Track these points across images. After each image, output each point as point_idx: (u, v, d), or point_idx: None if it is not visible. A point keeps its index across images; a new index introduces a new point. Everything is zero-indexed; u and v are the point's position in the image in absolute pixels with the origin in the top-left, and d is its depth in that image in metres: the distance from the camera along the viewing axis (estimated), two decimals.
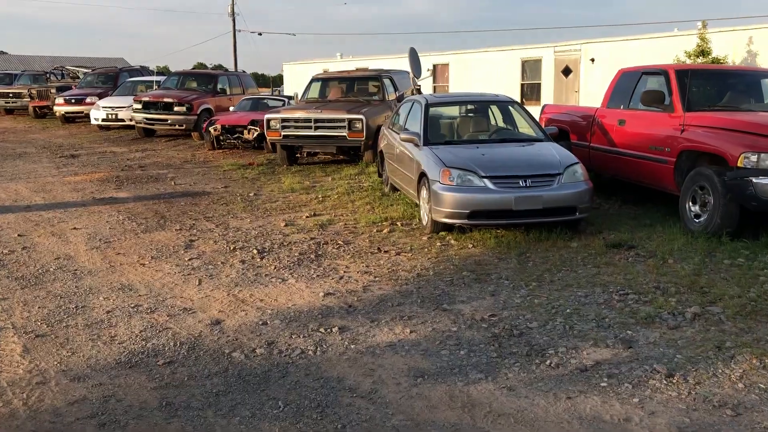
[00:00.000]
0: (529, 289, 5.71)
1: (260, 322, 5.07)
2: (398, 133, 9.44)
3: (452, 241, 7.29)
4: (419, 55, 14.02)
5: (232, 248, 7.20)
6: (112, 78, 24.71)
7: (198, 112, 18.18)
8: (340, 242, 7.37)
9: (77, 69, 30.87)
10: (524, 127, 8.67)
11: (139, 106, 18.24)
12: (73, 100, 23.10)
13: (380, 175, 10.84)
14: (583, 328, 4.82)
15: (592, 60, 19.85)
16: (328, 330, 4.88)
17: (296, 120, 12.95)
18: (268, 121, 13.12)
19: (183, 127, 18.19)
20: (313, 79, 14.95)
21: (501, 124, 8.89)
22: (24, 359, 4.47)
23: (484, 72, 22.82)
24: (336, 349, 4.57)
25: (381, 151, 10.45)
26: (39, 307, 5.44)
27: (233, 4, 54.89)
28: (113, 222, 8.56)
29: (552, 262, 6.43)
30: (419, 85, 13.70)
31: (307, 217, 8.77)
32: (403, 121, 9.37)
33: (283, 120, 13.00)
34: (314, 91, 14.77)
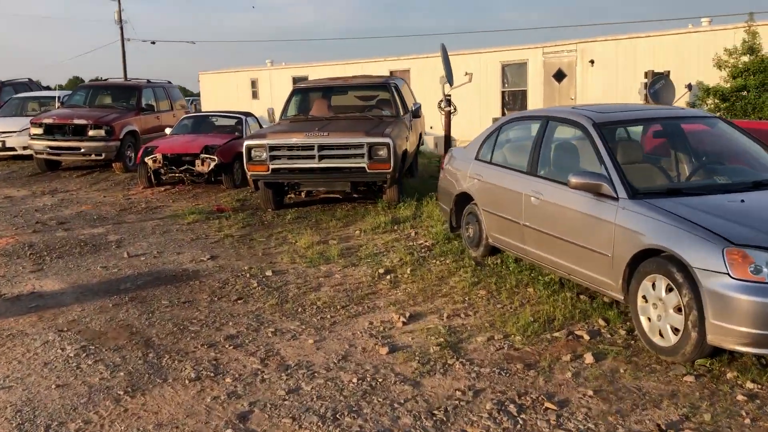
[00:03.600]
0: None
1: None
2: (513, 169, 5.98)
3: (748, 384, 3.89)
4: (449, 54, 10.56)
5: None
6: None
7: (121, 137, 13.85)
8: (547, 405, 3.78)
9: None
10: (754, 157, 5.36)
11: (39, 131, 13.67)
12: None
13: (453, 230, 7.29)
14: None
15: (592, 62, 17.13)
16: None
17: (291, 147, 9.15)
18: (250, 149, 9.23)
19: (102, 157, 13.78)
20: (296, 91, 11.13)
21: (717, 153, 5.56)
22: None
23: (456, 78, 19.61)
24: None
25: (461, 195, 6.91)
26: None
27: (120, 11, 49.58)
28: (57, 363, 4.54)
29: None
30: (449, 95, 10.27)
31: (403, 323, 5.10)
32: (529, 152, 5.86)
33: (273, 148, 9.15)
34: (294, 107, 10.97)
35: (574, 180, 4.91)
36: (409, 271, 6.39)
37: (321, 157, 9.06)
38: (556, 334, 4.79)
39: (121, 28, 49.32)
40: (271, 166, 9.19)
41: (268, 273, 6.53)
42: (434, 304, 5.55)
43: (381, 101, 10.84)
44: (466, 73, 10.78)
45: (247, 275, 6.49)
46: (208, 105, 28.52)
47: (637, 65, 16.22)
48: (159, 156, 11.72)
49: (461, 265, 6.50)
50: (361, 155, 8.98)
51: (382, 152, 8.98)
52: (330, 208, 9.76)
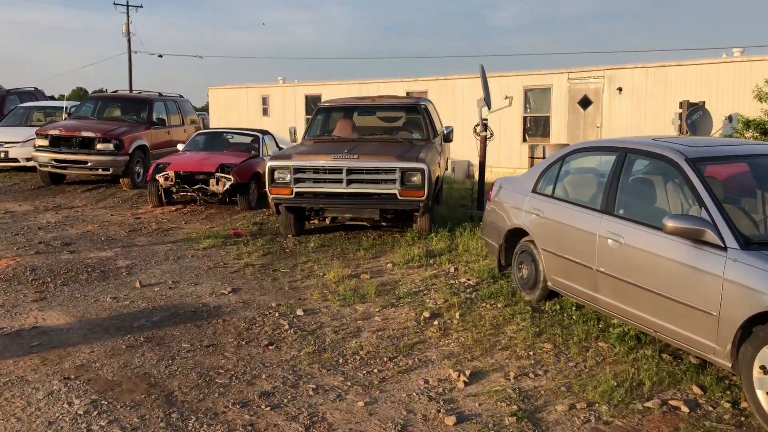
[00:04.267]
0: None
1: None
2: (582, 206, 5.32)
3: None
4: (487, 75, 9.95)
5: None
6: None
7: (130, 151, 13.20)
8: None
9: None
10: None
11: (45, 142, 13.02)
12: None
13: (501, 268, 6.61)
14: None
15: (620, 89, 16.57)
16: None
17: (317, 170, 8.50)
18: (273, 170, 8.58)
19: (109, 172, 13.12)
20: (321, 110, 10.50)
21: None
22: None
23: (474, 101, 19.04)
24: None
25: (513, 231, 6.23)
26: None
27: (128, 23, 49.26)
28: (64, 422, 3.83)
29: None
30: (486, 119, 9.66)
31: (465, 384, 4.40)
32: (604, 188, 5.19)
33: (297, 170, 8.50)
34: (318, 127, 10.34)
35: (670, 224, 4.23)
36: (458, 316, 5.69)
37: (349, 182, 8.41)
38: (648, 404, 4.09)
39: (129, 41, 49.13)
40: (295, 190, 8.54)
41: (299, 312, 5.83)
42: (495, 358, 4.85)
43: (410, 123, 10.21)
44: (506, 97, 10.15)
45: (276, 314, 5.79)
46: (216, 120, 27.94)
47: (668, 94, 15.66)
48: (171, 174, 11.07)
49: (516, 310, 5.81)
50: (393, 181, 8.34)
51: (416, 178, 8.34)
52: (355, 236, 9.08)
